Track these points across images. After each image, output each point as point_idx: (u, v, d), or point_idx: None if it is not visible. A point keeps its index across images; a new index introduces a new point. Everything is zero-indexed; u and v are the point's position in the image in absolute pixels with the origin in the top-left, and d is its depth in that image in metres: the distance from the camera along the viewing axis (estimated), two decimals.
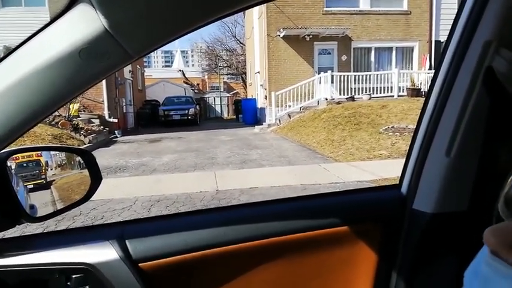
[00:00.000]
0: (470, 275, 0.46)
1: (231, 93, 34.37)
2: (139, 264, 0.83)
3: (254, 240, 0.90)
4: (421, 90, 13.67)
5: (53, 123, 11.10)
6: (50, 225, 3.74)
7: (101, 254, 0.82)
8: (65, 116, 11.88)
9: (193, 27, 0.65)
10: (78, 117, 13.21)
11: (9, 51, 0.64)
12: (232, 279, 0.92)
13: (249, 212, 1.00)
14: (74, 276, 0.81)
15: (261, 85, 17.08)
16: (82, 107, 14.32)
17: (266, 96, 15.82)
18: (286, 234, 0.92)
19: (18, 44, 0.63)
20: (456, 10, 0.90)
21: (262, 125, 15.15)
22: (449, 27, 0.90)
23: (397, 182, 1.05)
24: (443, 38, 15.42)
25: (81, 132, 11.51)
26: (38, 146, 1.36)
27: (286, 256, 0.94)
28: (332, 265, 0.97)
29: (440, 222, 0.91)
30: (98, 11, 0.58)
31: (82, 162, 0.95)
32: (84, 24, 0.59)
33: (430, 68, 15.02)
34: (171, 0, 0.60)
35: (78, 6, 0.59)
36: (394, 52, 16.12)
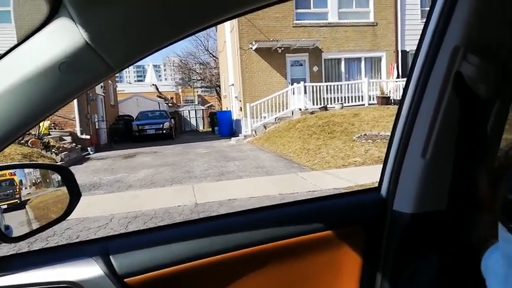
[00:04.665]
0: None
1: (206, 106, 34.31)
2: (125, 280, 0.82)
3: (240, 249, 0.90)
4: (391, 98, 14.11)
5: (22, 141, 10.68)
6: (22, 248, 3.58)
7: (84, 271, 0.80)
8: (34, 134, 11.47)
9: (174, 40, 0.66)
10: (49, 134, 12.79)
11: None
12: None
13: (232, 222, 1.00)
14: None
15: (236, 97, 17.15)
16: (53, 124, 13.88)
17: (241, 108, 15.87)
18: (270, 242, 0.93)
19: None
20: (420, 21, 0.95)
21: (238, 136, 15.15)
22: (414, 37, 0.94)
23: (373, 188, 1.08)
24: (409, 48, 16.05)
25: (53, 150, 11.13)
26: (12, 163, 1.31)
27: (272, 263, 0.94)
28: (318, 269, 0.98)
29: (420, 221, 0.95)
30: (78, 24, 0.58)
31: (58, 179, 0.93)
32: (64, 37, 0.58)
33: (398, 77, 15.55)
34: (152, 12, 0.60)
35: (58, 20, 0.58)
36: (363, 62, 16.61)
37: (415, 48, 0.95)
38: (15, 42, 0.63)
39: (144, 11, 0.59)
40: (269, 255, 0.94)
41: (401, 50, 16.33)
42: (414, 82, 0.95)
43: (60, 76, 0.60)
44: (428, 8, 0.93)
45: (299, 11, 15.81)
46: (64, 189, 0.90)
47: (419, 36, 0.94)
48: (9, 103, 0.61)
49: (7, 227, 0.85)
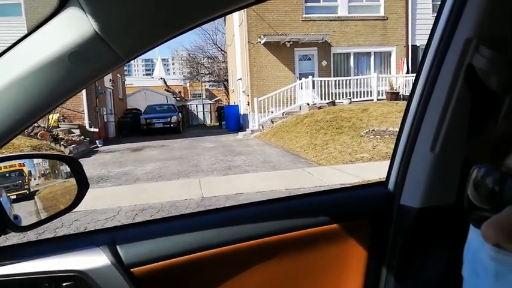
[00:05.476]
0: (470, 276, 0.44)
1: (213, 100, 34.34)
2: (132, 270, 0.82)
3: (246, 241, 0.90)
4: (400, 93, 13.97)
5: (31, 134, 10.81)
6: (31, 238, 3.63)
7: (91, 260, 0.81)
8: (44, 127, 11.61)
9: (183, 30, 0.65)
10: (58, 127, 12.92)
11: None
12: (225, 280, 0.91)
13: (240, 213, 1.00)
14: (64, 284, 0.79)
15: (243, 91, 17.12)
16: (62, 117, 14.02)
17: (249, 102, 15.86)
18: (277, 234, 0.93)
19: (5, 48, 0.62)
20: (431, 16, 0.93)
21: (245, 131, 15.16)
22: (425, 32, 0.93)
23: (381, 181, 1.07)
24: (419, 43, 15.84)
25: (61, 143, 11.26)
26: (21, 153, 1.32)
27: (278, 256, 0.95)
28: (323, 263, 0.98)
29: (428, 216, 0.94)
30: (88, 14, 0.58)
31: (66, 170, 0.94)
32: (74, 27, 0.59)
33: (407, 72, 15.37)
34: (161, 3, 0.60)
35: (68, 10, 0.58)
36: (372, 57, 16.44)
37: (426, 41, 0.93)
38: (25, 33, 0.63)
39: (153, 1, 0.59)
40: (275, 248, 0.94)
41: (412, 45, 16.12)
42: (425, 74, 0.93)
43: (70, 66, 0.60)
44: (439, 2, 0.91)
45: (308, 4, 15.69)
46: (72, 180, 0.90)
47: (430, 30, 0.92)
48: (19, 93, 0.61)
49: (16, 217, 0.86)
